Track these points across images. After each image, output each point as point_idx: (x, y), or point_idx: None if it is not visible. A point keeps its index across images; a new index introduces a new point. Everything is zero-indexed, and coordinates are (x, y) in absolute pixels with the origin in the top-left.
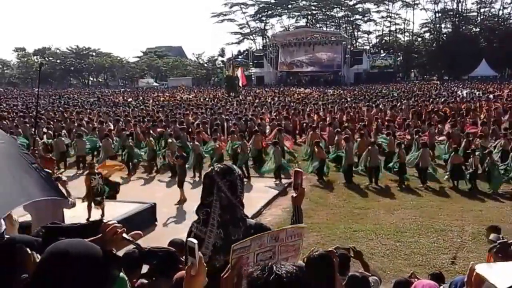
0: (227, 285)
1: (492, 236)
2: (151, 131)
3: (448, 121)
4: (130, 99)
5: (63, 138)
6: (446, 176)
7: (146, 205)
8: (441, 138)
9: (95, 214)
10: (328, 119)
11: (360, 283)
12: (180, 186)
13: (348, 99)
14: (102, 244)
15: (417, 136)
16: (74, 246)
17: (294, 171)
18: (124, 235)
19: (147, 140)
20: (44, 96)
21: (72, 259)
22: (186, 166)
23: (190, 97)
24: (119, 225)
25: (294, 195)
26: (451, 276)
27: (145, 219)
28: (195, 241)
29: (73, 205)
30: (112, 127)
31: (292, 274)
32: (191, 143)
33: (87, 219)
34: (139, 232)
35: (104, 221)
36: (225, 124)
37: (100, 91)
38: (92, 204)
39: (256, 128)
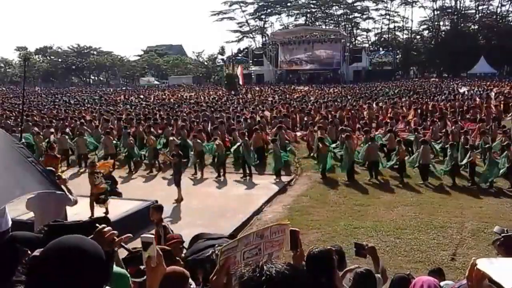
0: (218, 285)
1: (496, 228)
2: (152, 129)
3: (448, 118)
4: (132, 98)
5: (66, 136)
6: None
7: (149, 202)
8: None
9: (98, 212)
10: (329, 116)
11: (367, 278)
12: (177, 185)
13: (348, 97)
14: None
15: (416, 133)
16: (73, 241)
17: (290, 231)
18: (122, 243)
19: (148, 139)
20: (47, 95)
21: (71, 254)
22: (188, 164)
23: (192, 95)
24: (115, 232)
25: (292, 254)
26: (451, 272)
27: (147, 216)
28: (151, 235)
29: (75, 202)
30: (113, 126)
31: (283, 274)
32: (192, 141)
33: (90, 217)
34: (130, 235)
35: (98, 226)
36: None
37: (102, 90)
38: (95, 203)
39: (256, 126)
